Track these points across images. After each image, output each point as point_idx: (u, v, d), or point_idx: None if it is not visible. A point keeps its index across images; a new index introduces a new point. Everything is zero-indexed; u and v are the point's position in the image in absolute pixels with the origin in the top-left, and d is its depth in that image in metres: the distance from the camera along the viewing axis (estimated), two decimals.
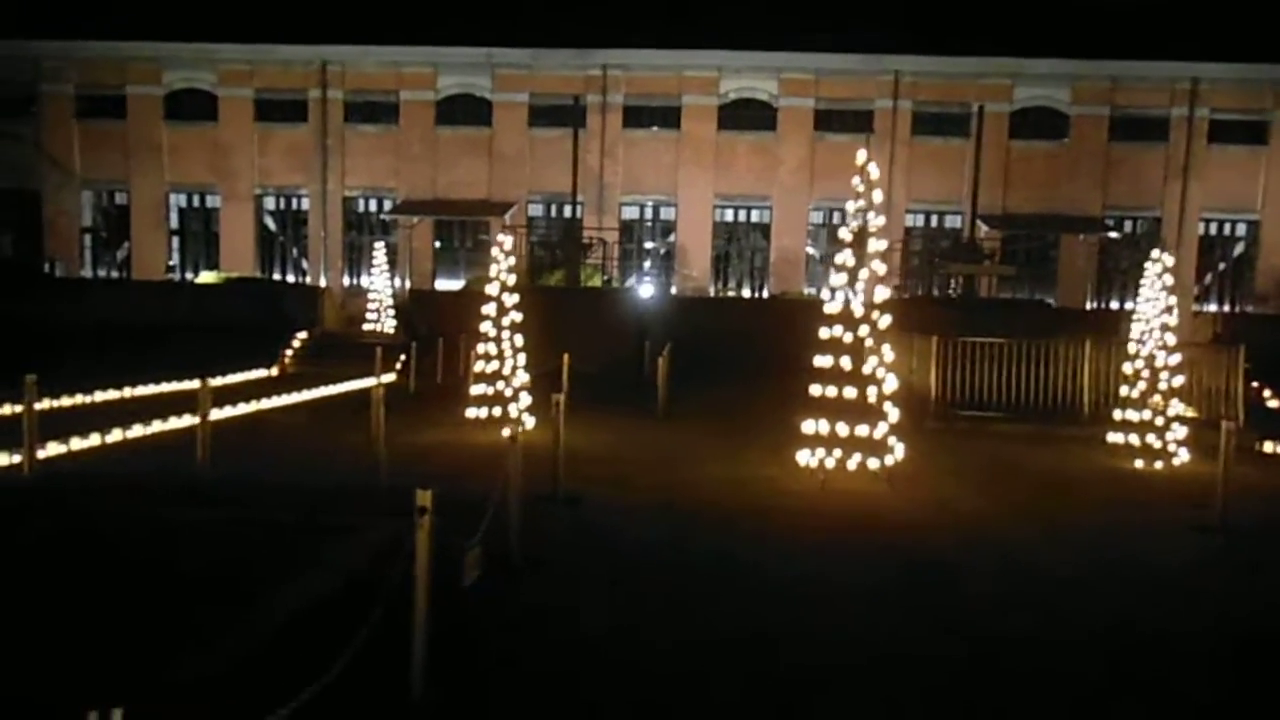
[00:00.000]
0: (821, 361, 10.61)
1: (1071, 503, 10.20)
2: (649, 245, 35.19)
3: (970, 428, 15.71)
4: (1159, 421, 12.42)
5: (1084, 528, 9.11)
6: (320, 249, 34.89)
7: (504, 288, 13.52)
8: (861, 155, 10.62)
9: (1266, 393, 20.87)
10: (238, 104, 34.70)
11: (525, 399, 13.64)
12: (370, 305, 27.07)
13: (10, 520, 7.97)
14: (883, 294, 10.50)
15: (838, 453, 10.26)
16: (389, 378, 23.26)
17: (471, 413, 13.53)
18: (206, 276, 29.84)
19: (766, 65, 33.39)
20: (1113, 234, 33.14)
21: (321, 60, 34.20)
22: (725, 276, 34.94)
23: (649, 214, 35.09)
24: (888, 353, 10.49)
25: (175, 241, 35.91)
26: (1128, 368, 12.77)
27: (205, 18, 33.78)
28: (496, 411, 13.45)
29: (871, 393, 10.42)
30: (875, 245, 10.50)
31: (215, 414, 15.24)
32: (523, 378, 13.61)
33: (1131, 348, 12.76)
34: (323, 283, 34.15)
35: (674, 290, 24.71)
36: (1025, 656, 5.59)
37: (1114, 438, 12.85)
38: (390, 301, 27.02)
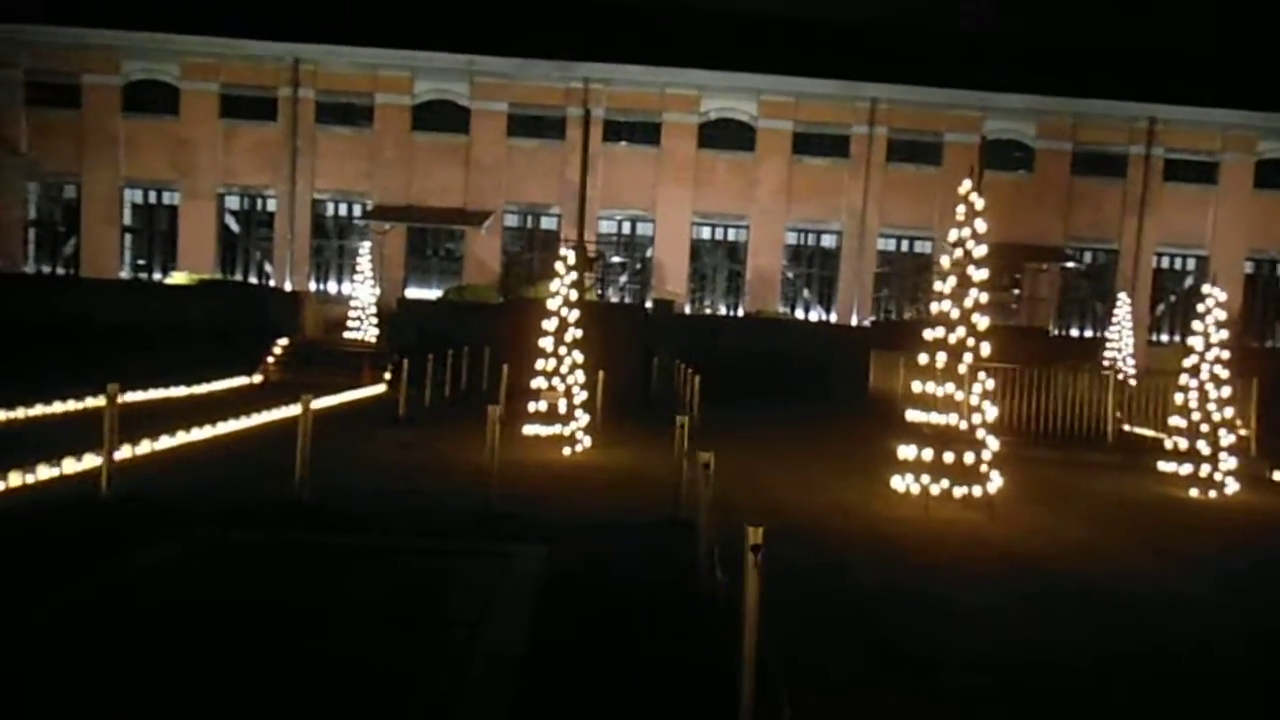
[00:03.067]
0: (919, 388, 10.67)
1: (1165, 531, 10.48)
2: (616, 260, 35.05)
3: (1001, 454, 16.01)
4: (1207, 450, 12.88)
5: (1198, 555, 9.36)
6: (286, 252, 33.67)
7: (566, 302, 13.20)
8: (966, 185, 10.75)
9: (1238, 420, 21.96)
10: (202, 98, 33.31)
11: (583, 417, 13.34)
12: (352, 312, 26.19)
13: (133, 543, 7.36)
14: (984, 322, 10.60)
15: (938, 480, 10.32)
16: (380, 388, 22.65)
17: (529, 430, 13.16)
18: (177, 277, 28.44)
19: (746, 86, 33.73)
20: (1070, 264, 34.49)
21: (294, 58, 33.12)
22: (702, 293, 35.06)
23: (625, 229, 34.98)
24: (988, 381, 10.61)
25: (128, 239, 34.17)
26: (1179, 398, 13.23)
27: (169, 7, 32.42)
28: (556, 429, 13.11)
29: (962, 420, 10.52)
30: (978, 274, 10.60)
31: (246, 422, 14.53)
32: (581, 395, 13.31)
33: (1183, 379, 13.21)
34: (288, 286, 32.99)
35: (676, 308, 24.83)
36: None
37: (1165, 466, 13.28)
38: (373, 309, 26.18)
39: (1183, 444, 13.03)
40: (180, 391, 19.38)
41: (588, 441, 13.41)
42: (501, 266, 34.24)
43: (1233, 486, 12.80)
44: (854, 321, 33.77)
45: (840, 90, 33.49)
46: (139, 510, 8.57)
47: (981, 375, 10.66)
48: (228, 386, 21.20)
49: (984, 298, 10.62)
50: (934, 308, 10.83)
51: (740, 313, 34.04)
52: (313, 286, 33.79)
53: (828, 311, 34.83)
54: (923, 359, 10.73)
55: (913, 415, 10.76)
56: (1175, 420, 13.26)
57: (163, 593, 6.36)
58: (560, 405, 13.17)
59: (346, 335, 25.96)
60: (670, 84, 33.61)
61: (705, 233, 34.92)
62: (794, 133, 34.06)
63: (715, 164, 34.13)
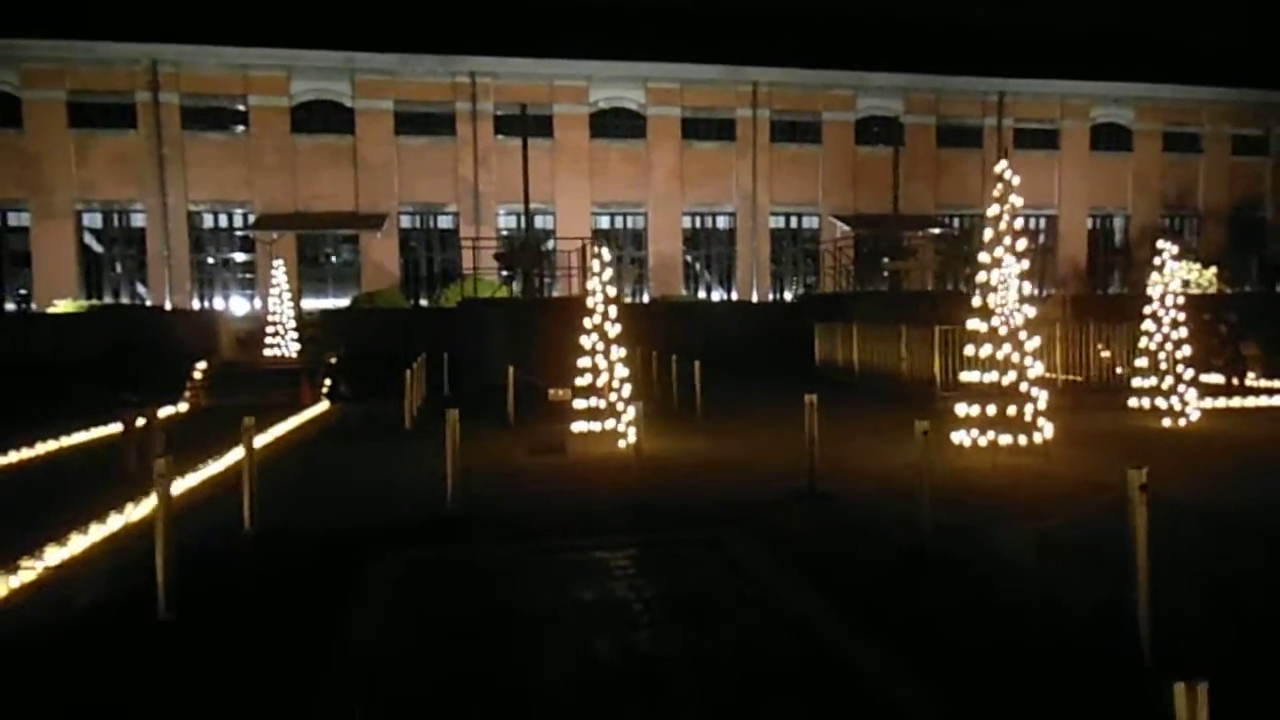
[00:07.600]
0: (973, 351, 11.64)
1: (1180, 456, 11.92)
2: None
3: None
4: (1167, 385, 14.66)
5: (1234, 474, 10.80)
6: (164, 270, 31.28)
7: (607, 299, 13.34)
8: (1002, 164, 11.75)
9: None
10: (48, 107, 30.35)
11: (630, 411, 13.51)
12: (270, 329, 24.82)
13: (329, 573, 7.08)
14: (1026, 290, 11.67)
15: (986, 432, 11.33)
16: (325, 406, 21.78)
17: (579, 427, 13.25)
18: (63, 305, 25.87)
19: (633, 75, 34.25)
20: (935, 230, 37.29)
21: (151, 59, 30.71)
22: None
23: (525, 222, 34.71)
24: (1034, 341, 11.70)
25: None
26: (1144, 342, 14.95)
27: (1, 9, 29.31)
28: (601, 425, 13.25)
29: (1008, 377, 11.58)
30: (1020, 244, 11.64)
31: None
32: (627, 390, 13.50)
33: (1147, 325, 14.91)
34: (168, 306, 30.74)
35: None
36: None
37: (1133, 402, 14.99)
38: (291, 324, 24.91)
39: (1150, 381, 14.75)
40: (116, 426, 17.99)
41: (633, 435, 13.58)
42: (401, 269, 33.29)
43: (1195, 415, 14.64)
44: (754, 299, 35.12)
45: (723, 75, 34.60)
46: (296, 540, 8.19)
47: (1023, 335, 11.74)
48: (160, 416, 19.73)
49: (1026, 265, 11.70)
50: (979, 278, 11.78)
51: (645, 299, 34.65)
52: (195, 304, 31.64)
53: (728, 292, 36.04)
54: (973, 324, 11.70)
55: (966, 376, 11.73)
56: (1140, 361, 14.97)
57: (451, 606, 6.24)
58: (599, 400, 13.32)
59: (267, 353, 24.56)
60: (558, 75, 33.61)
61: (604, 222, 35.24)
62: (682, 118, 34.92)
63: (609, 153, 34.50)
